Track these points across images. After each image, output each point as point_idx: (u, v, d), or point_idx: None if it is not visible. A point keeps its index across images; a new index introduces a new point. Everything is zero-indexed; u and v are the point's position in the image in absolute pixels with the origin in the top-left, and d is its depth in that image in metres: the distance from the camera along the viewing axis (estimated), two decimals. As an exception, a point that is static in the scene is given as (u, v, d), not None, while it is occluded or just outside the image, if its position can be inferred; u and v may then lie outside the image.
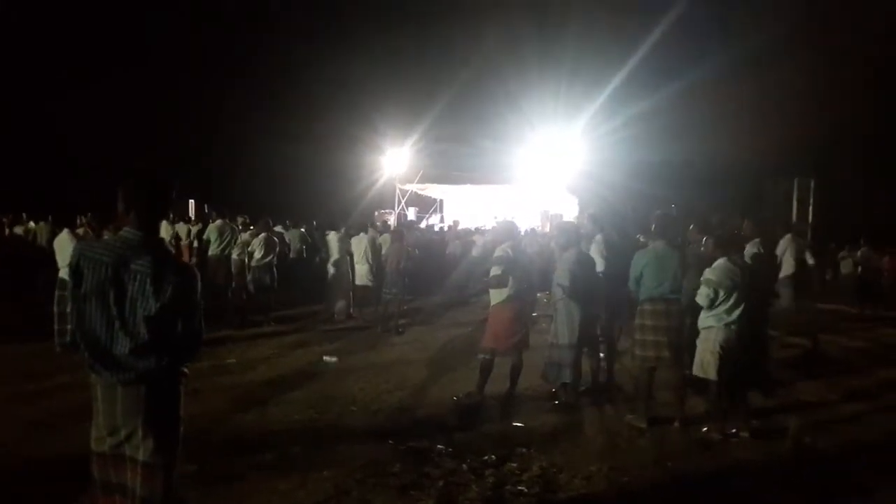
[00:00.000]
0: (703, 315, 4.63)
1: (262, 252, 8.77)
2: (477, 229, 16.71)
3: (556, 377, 5.24)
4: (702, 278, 4.61)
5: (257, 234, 9.03)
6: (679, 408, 4.83)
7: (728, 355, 4.51)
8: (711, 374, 4.55)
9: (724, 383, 4.57)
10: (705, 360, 4.57)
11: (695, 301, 4.65)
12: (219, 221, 9.34)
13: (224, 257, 9.00)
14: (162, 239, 2.54)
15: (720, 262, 4.63)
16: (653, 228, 5.10)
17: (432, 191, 25.47)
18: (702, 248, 5.86)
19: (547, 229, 19.10)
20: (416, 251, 10.08)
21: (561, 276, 5.21)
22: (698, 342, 4.65)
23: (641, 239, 8.47)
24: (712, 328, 4.56)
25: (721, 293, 4.51)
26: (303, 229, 13.40)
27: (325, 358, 6.95)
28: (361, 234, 9.35)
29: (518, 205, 23.23)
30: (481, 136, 23.96)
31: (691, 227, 6.73)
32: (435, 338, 8.36)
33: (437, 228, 19.12)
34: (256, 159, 24.17)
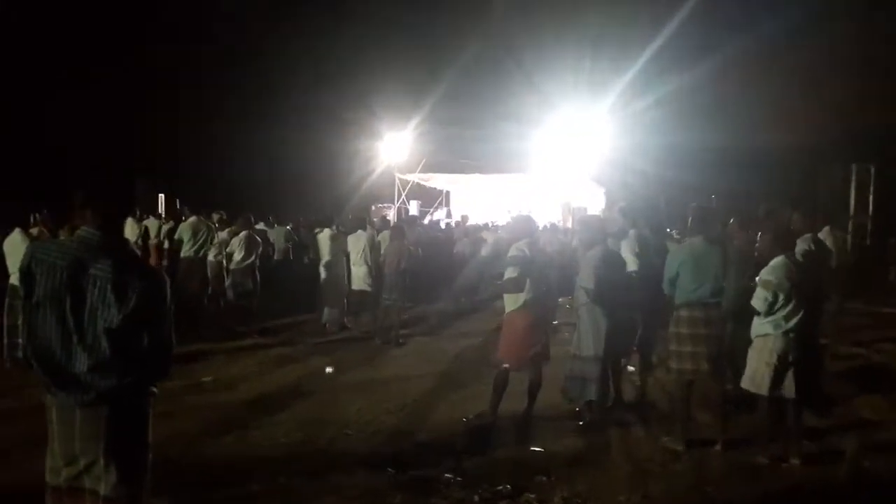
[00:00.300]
0: (757, 322, 4.59)
1: (243, 253, 8.78)
2: (488, 225, 16.68)
3: (580, 394, 5.21)
4: (758, 279, 4.57)
5: (237, 233, 9.04)
6: (721, 428, 4.79)
7: (785, 367, 4.46)
8: (764, 390, 4.51)
9: (777, 400, 4.53)
10: (759, 373, 4.52)
11: (738, 306, 4.61)
12: (193, 218, 9.37)
13: (199, 259, 9.01)
14: (126, 239, 2.52)
15: (778, 260, 4.57)
16: (689, 223, 5.06)
17: (437, 181, 25.51)
18: (756, 245, 5.80)
19: (569, 224, 19.07)
20: (419, 251, 10.07)
21: (585, 278, 5.18)
22: (751, 352, 4.61)
23: (675, 235, 8.45)
24: (769, 336, 4.51)
25: (780, 296, 4.46)
26: (289, 227, 13.42)
27: (328, 370, 7.00)
28: (359, 231, 9.35)
29: (535, 197, 23.22)
30: (493, 117, 23.92)
31: (732, 220, 6.68)
32: (441, 350, 8.34)
33: (442, 224, 19.12)
34: (235, 148, 24.21)
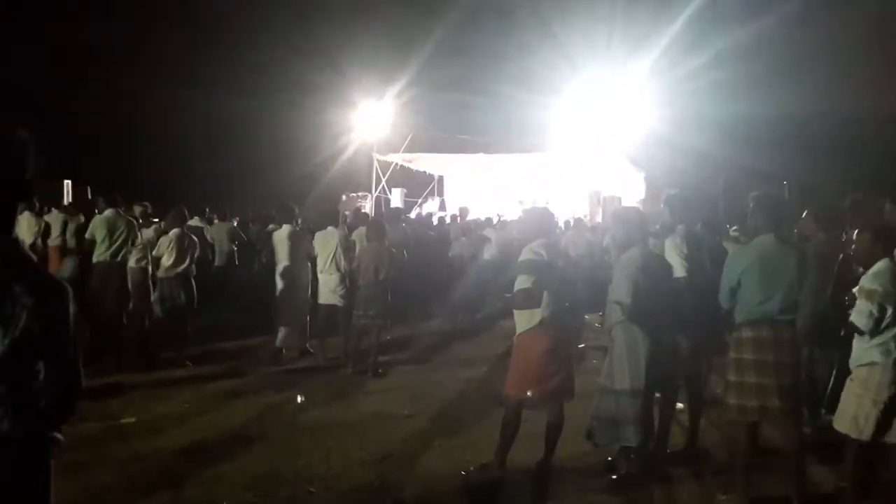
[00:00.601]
0: (861, 346, 4.60)
1: (174, 257, 8.77)
2: (493, 221, 16.67)
3: (613, 439, 5.20)
4: (858, 288, 4.57)
5: (167, 231, 9.03)
6: (797, 482, 4.79)
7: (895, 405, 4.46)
8: (867, 434, 4.52)
9: (871, 445, 4.54)
10: (862, 413, 4.53)
11: (817, 324, 4.60)
12: (109, 212, 9.32)
13: (116, 265, 8.99)
14: (16, 239, 2.47)
15: (882, 264, 4.57)
16: (750, 216, 5.07)
17: (427, 163, 25.56)
18: (841, 245, 5.81)
19: (598, 220, 19.11)
20: (405, 254, 10.06)
21: (619, 289, 5.18)
22: (851, 386, 4.63)
23: (732, 233, 8.45)
24: (876, 366, 4.53)
25: (888, 310, 4.46)
26: (234, 223, 13.40)
27: (299, 398, 7.13)
28: (329, 228, 9.35)
29: (555, 184, 23.27)
30: (500, 81, 24.02)
31: (805, 213, 6.70)
32: (432, 382, 8.34)
33: (434, 220, 19.11)
34: (164, 121, 24.17)
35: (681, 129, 22.41)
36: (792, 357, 4.81)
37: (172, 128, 24.56)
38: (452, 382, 8.33)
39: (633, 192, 21.30)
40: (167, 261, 8.79)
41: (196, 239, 9.24)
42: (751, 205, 5.07)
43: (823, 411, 5.84)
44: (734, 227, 8.42)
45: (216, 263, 11.94)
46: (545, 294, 5.16)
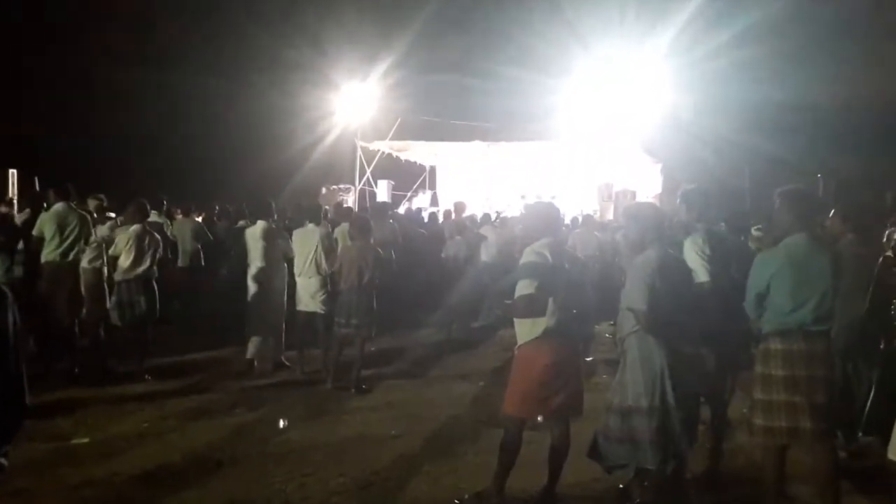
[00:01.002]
0: None
1: (133, 257, 8.75)
2: (492, 218, 16.66)
3: (627, 462, 5.20)
4: None
5: (125, 228, 9.00)
6: (832, 514, 4.79)
7: None
8: None
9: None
10: None
11: (854, 335, 4.61)
12: (59, 206, 9.29)
13: (68, 265, 8.96)
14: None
15: None
16: (776, 214, 5.07)
17: (417, 153, 25.57)
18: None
19: (610, 216, 19.14)
20: (392, 254, 10.05)
21: (633, 295, 5.18)
22: None
23: (754, 232, 8.46)
24: None
25: None
26: (199, 218, 13.36)
27: (281, 423, 7.13)
28: (308, 225, 9.33)
29: (561, 176, 23.29)
30: (498, 61, 24.00)
31: (833, 212, 6.71)
32: (422, 400, 8.35)
33: (424, 216, 19.11)
34: (121, 104, 24.09)
35: (702, 114, 22.47)
36: (826, 372, 4.82)
37: (130, 112, 24.49)
38: (445, 399, 8.32)
39: (648, 186, 21.34)
40: (125, 261, 8.75)
41: (158, 237, 9.21)
42: (777, 201, 5.08)
43: (860, 433, 5.86)
44: (757, 227, 8.42)
45: (179, 264, 11.92)
46: (550, 301, 5.16)
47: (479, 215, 17.19)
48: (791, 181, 5.57)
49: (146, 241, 8.87)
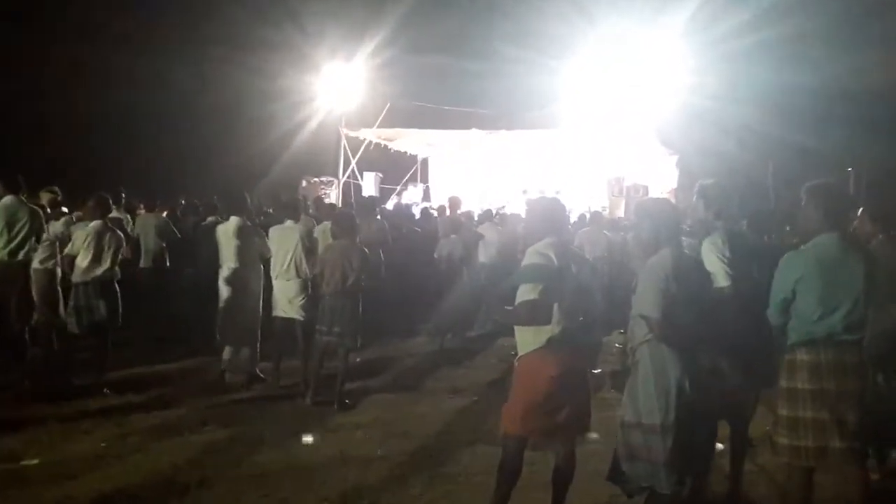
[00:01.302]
0: None
1: (92, 256, 8.74)
2: (492, 214, 16.68)
3: (643, 483, 5.21)
4: None
5: (84, 224, 8.99)
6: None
7: None
8: None
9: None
10: None
11: (890, 345, 4.63)
12: (8, 199, 9.28)
13: (17, 266, 8.96)
14: None
15: None
16: (803, 212, 5.09)
17: (408, 142, 25.60)
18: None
19: (620, 213, 19.17)
20: (381, 255, 10.06)
21: (645, 301, 5.19)
22: None
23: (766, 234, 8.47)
24: None
25: None
26: (164, 214, 13.32)
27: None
28: (287, 222, 9.31)
29: (567, 169, 23.31)
30: (497, 41, 24.02)
31: (861, 210, 6.74)
32: (411, 416, 8.35)
33: (416, 211, 19.13)
34: (78, 89, 24.01)
35: (722, 101, 22.49)
36: (857, 385, 4.84)
37: (88, 96, 24.41)
38: (437, 416, 8.33)
39: (662, 180, 21.39)
40: (83, 261, 8.73)
41: (121, 235, 9.19)
42: (805, 197, 5.09)
43: (894, 453, 5.89)
44: (788, 227, 8.47)
45: (142, 265, 11.89)
46: (556, 307, 5.17)
47: (477, 211, 17.23)
48: (820, 175, 5.57)
49: (107, 239, 8.83)
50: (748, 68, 22.91)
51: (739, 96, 22.50)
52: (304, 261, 9.02)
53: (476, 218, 15.68)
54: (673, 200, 8.40)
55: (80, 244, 8.76)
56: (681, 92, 21.59)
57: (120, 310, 9.00)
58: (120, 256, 9.00)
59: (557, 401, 5.24)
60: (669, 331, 5.07)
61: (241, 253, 9.24)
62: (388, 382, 9.74)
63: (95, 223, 8.87)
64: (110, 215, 9.78)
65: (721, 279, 5.65)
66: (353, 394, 8.82)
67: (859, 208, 6.79)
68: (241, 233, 9.26)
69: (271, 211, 12.05)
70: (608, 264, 11.84)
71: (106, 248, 8.81)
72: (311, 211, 13.18)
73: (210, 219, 11.56)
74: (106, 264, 8.79)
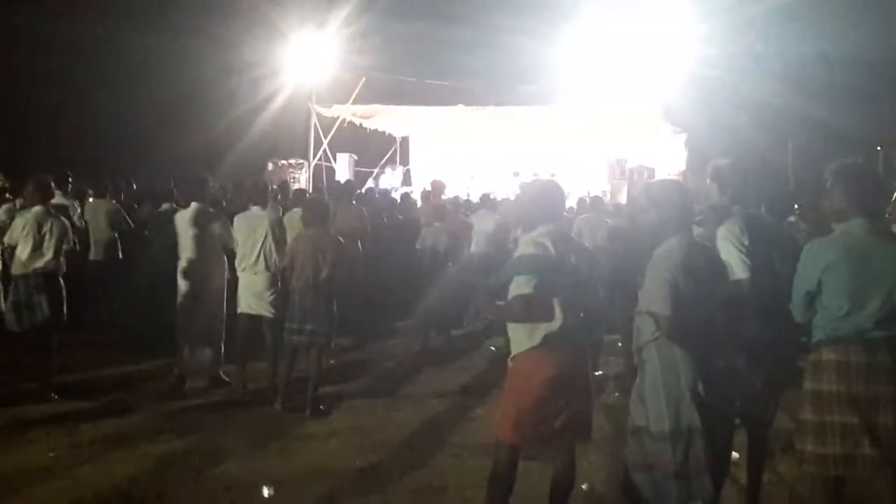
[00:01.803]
0: None
1: (31, 247, 8.70)
2: (480, 201, 16.70)
3: (651, 501, 5.23)
4: None
5: (25, 212, 8.94)
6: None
7: None
8: None
9: None
10: None
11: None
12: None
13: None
14: None
15: None
16: (827, 196, 5.10)
17: (386, 120, 25.53)
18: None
19: (624, 198, 19.19)
20: (359, 245, 10.05)
21: (652, 295, 5.19)
22: None
23: (791, 219, 8.51)
24: None
25: None
26: (114, 200, 13.26)
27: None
28: (253, 209, 9.28)
29: (563, 149, 23.32)
30: (485, 7, 23.99)
31: (895, 195, 6.78)
32: (392, 424, 8.34)
33: (395, 197, 19.10)
34: (15, 59, 23.85)
35: (736, 74, 22.54)
36: (891, 388, 4.86)
37: (27, 70, 24.27)
38: (420, 423, 8.34)
39: (670, 161, 21.43)
40: (22, 252, 8.70)
41: (66, 223, 9.14)
42: (829, 179, 5.10)
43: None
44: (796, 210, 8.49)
45: (91, 257, 11.85)
46: (555, 303, 5.18)
47: (464, 197, 17.22)
48: (845, 155, 5.58)
49: (48, 228, 8.77)
50: (765, 37, 22.97)
51: (755, 68, 22.56)
52: (274, 251, 9.00)
53: (473, 203, 15.64)
54: (682, 184, 8.37)
55: (19, 233, 8.71)
56: (690, 63, 21.64)
57: (64, 306, 8.94)
58: (64, 246, 8.95)
59: (555, 405, 5.24)
60: (679, 328, 5.08)
61: (201, 243, 9.23)
62: (365, 386, 9.75)
63: (36, 209, 8.82)
64: (55, 202, 9.74)
65: (738, 270, 5.65)
66: (328, 399, 8.82)
67: (892, 191, 6.82)
68: (200, 220, 9.25)
69: (229, 198, 11.96)
70: (609, 256, 11.85)
71: (48, 236, 8.74)
72: (277, 197, 13.13)
73: (165, 205, 11.50)
74: (48, 255, 8.73)
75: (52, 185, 9.35)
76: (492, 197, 16.69)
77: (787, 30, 22.74)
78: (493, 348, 11.33)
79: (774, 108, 21.46)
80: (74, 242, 9.76)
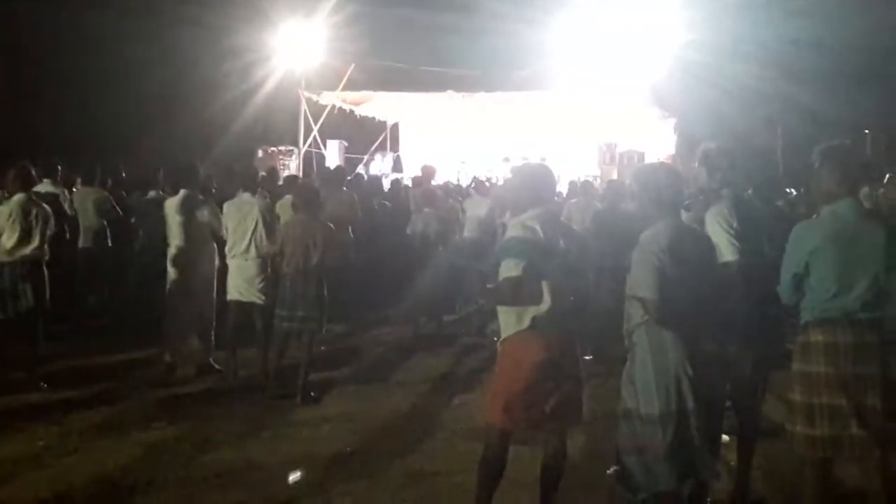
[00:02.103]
0: None
1: (17, 235, 8.65)
2: (472, 187, 16.67)
3: (643, 484, 5.22)
4: None
5: (8, 199, 8.91)
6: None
7: None
8: None
9: None
10: None
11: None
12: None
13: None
14: None
15: None
16: (814, 178, 5.09)
17: (376, 107, 25.50)
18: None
19: (613, 181, 19.16)
20: (350, 232, 10.02)
21: (640, 279, 5.18)
22: None
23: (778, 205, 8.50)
24: None
25: None
26: (101, 188, 13.20)
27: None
28: (243, 195, 9.23)
29: (554, 134, 23.32)
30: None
31: (888, 177, 6.77)
32: (383, 409, 8.35)
33: (385, 183, 19.07)
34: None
35: (723, 58, 22.53)
36: (878, 368, 4.86)
37: (11, 55, 24.13)
38: (411, 409, 8.36)
39: (659, 145, 21.45)
40: (8, 241, 8.63)
41: (49, 210, 9.09)
42: (817, 161, 5.09)
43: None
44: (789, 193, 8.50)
45: (80, 245, 11.80)
46: (544, 286, 5.16)
47: (455, 183, 17.18)
48: (833, 137, 5.57)
49: (33, 215, 8.73)
50: (752, 21, 22.95)
51: (743, 52, 22.55)
52: (264, 237, 8.96)
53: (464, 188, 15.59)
54: (671, 167, 8.35)
55: (4, 221, 8.65)
56: (678, 48, 21.60)
57: (47, 294, 8.89)
58: (49, 234, 8.91)
59: (545, 389, 5.23)
60: (667, 312, 5.07)
61: (190, 230, 9.20)
62: (356, 373, 9.76)
63: (18, 197, 8.76)
64: (45, 189, 9.69)
65: (727, 253, 5.65)
66: (318, 385, 8.79)
67: (878, 173, 6.82)
68: (189, 207, 9.21)
69: (219, 185, 11.91)
70: (598, 239, 11.84)
71: (34, 224, 8.70)
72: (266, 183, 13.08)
73: (151, 193, 11.45)
74: (34, 242, 8.68)
75: (33, 172, 9.30)
76: (485, 181, 16.70)
77: (772, 14, 22.75)
78: (495, 339, 11.29)
79: (762, 93, 21.49)
80: (65, 230, 9.72)
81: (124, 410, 8.11)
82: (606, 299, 7.37)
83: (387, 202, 15.19)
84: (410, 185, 17.21)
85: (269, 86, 23.84)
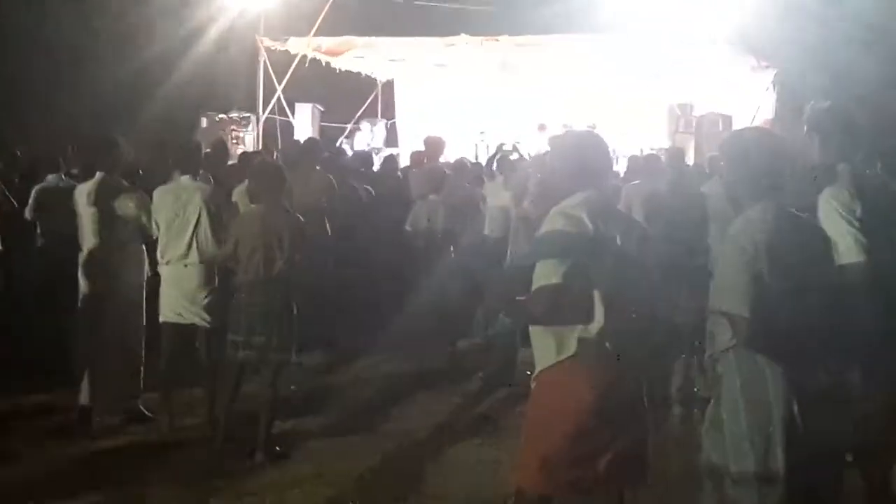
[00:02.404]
0: None
1: None
2: (493, 163, 16.67)
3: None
4: None
5: None
6: None
7: None
8: None
9: None
10: None
11: None
12: None
13: None
14: None
15: None
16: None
17: (362, 59, 25.49)
18: None
19: (690, 157, 19.19)
20: (327, 226, 10.05)
21: (727, 290, 5.18)
22: None
23: None
24: None
25: None
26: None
27: None
28: (182, 178, 9.30)
29: (605, 93, 23.35)
30: None
31: None
32: (371, 468, 8.39)
33: (375, 162, 19.11)
34: None
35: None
36: None
37: None
38: (410, 470, 8.37)
39: (751, 107, 21.45)
40: None
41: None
42: None
43: None
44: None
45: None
46: (595, 298, 5.16)
47: (474, 159, 17.21)
48: None
49: None
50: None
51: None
52: (210, 236, 8.97)
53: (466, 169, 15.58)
54: (770, 135, 8.25)
55: None
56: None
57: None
58: None
59: (596, 440, 5.24)
60: (764, 332, 5.06)
61: (109, 227, 9.23)
62: (336, 421, 9.78)
63: None
64: None
65: (848, 251, 5.65)
66: (286, 437, 8.85)
67: None
68: (107, 197, 9.22)
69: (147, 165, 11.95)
70: (673, 232, 11.84)
71: None
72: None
73: (50, 177, 11.45)
74: None
75: None
76: (512, 157, 16.64)
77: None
78: (528, 373, 11.26)
79: (890, 36, 21.47)
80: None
81: (22, 474, 8.13)
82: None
83: (369, 188, 15.15)
84: (409, 163, 17.25)
85: (215, 31, 23.86)
